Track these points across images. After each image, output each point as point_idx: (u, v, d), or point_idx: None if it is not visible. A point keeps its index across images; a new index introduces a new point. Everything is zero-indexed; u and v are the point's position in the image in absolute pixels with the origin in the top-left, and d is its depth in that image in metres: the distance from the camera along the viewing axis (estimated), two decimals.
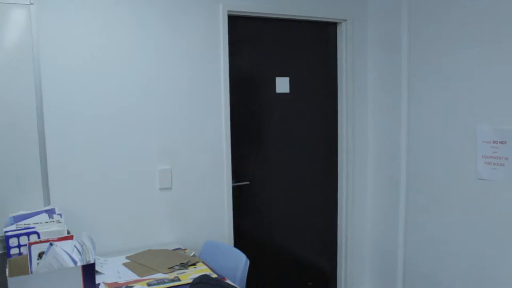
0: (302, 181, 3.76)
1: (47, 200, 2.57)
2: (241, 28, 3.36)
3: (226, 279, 2.29)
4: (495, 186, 2.73)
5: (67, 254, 2.01)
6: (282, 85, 3.53)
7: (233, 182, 3.35)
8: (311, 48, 3.63)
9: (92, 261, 2.02)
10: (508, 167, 2.66)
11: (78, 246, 2.10)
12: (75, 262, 1.99)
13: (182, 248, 2.78)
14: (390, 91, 3.45)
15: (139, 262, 2.53)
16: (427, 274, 3.22)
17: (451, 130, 2.99)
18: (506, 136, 2.65)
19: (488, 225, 2.78)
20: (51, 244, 2.02)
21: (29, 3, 2.45)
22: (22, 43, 2.47)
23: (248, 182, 3.51)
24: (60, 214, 2.43)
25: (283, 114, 3.69)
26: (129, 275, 2.36)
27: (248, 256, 3.65)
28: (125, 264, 2.52)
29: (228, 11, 3.03)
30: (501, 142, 2.69)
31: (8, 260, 2.09)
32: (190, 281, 2.23)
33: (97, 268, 2.39)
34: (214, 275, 2.31)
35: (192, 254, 2.65)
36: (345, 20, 3.47)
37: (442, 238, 3.09)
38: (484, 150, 2.79)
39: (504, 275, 2.70)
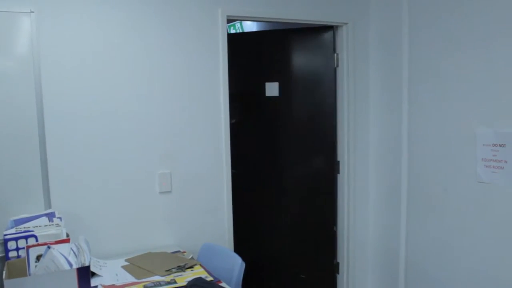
0: (302, 182, 3.79)
1: (48, 204, 2.62)
2: (240, 37, 3.46)
3: (221, 282, 2.32)
4: (494, 189, 2.72)
5: (63, 257, 2.06)
6: (273, 89, 3.72)
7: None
8: (311, 52, 3.67)
9: (87, 264, 2.06)
10: (507, 170, 2.65)
11: (75, 249, 2.15)
12: (71, 265, 2.03)
13: (181, 250, 2.82)
14: (391, 93, 3.45)
15: (138, 265, 2.57)
16: (429, 276, 3.21)
17: (452, 133, 2.98)
18: (506, 139, 2.64)
19: (487, 228, 2.77)
20: (48, 247, 2.07)
21: (29, 11, 2.51)
22: (23, 50, 2.52)
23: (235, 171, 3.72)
24: (60, 218, 2.48)
25: (285, 116, 3.74)
26: (126, 278, 2.40)
27: (247, 256, 3.72)
28: (123, 267, 2.55)
29: (228, 15, 3.06)
30: (500, 145, 2.68)
31: (6, 263, 2.15)
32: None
33: (95, 270, 2.43)
34: (210, 278, 2.34)
35: (190, 257, 2.69)
36: (346, 23, 3.47)
37: (443, 239, 3.08)
38: (484, 153, 2.77)
39: (504, 276, 2.68)
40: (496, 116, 2.69)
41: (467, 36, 2.83)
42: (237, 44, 3.84)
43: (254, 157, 3.82)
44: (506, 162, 2.65)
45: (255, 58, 3.85)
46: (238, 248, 3.40)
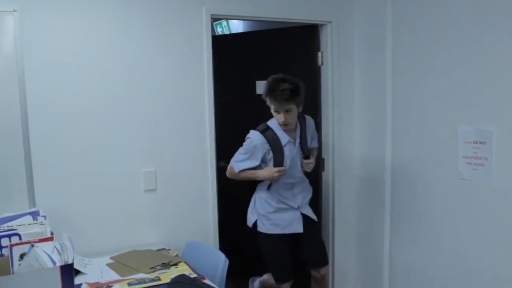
0: None
1: (32, 202, 2.62)
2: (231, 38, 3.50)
3: (205, 279, 2.34)
4: (475, 186, 2.76)
5: (47, 255, 2.05)
6: (263, 87, 3.63)
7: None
8: (297, 50, 3.69)
9: (70, 262, 2.06)
10: (487, 167, 2.69)
11: (58, 247, 2.15)
12: (54, 263, 2.03)
13: (166, 248, 2.84)
14: (375, 91, 3.49)
15: (122, 262, 2.58)
16: (413, 272, 3.26)
17: (435, 131, 3.02)
18: (486, 136, 2.68)
19: (469, 224, 2.82)
20: (32, 246, 2.07)
21: (12, 10, 2.51)
22: (6, 48, 2.53)
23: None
24: (45, 216, 2.48)
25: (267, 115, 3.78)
26: (111, 275, 2.41)
27: (233, 249, 3.75)
28: (108, 265, 2.57)
29: (212, 14, 3.07)
30: (481, 143, 2.72)
31: None
32: None
33: (80, 268, 2.44)
34: (194, 275, 2.36)
35: (174, 254, 2.70)
36: (330, 22, 3.50)
37: (426, 236, 3.13)
38: (465, 151, 2.82)
39: (484, 270, 2.74)
40: (477, 114, 2.73)
41: (449, 36, 2.87)
42: (228, 45, 3.94)
43: None
44: (486, 159, 2.70)
45: (246, 57, 3.91)
46: (224, 241, 3.42)
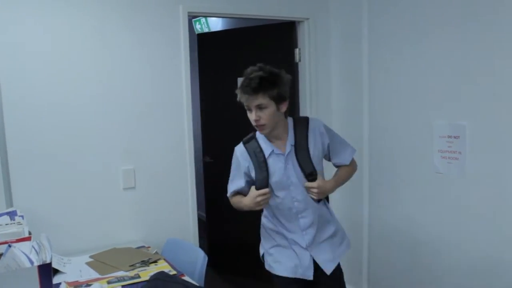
0: None
1: (9, 202, 2.60)
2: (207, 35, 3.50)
3: (184, 276, 2.35)
4: (450, 179, 2.82)
5: (24, 255, 2.05)
6: None
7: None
8: (275, 47, 3.71)
9: (48, 261, 2.06)
10: (461, 161, 2.75)
11: (36, 247, 2.15)
12: (32, 263, 2.03)
13: (146, 246, 2.84)
14: (352, 88, 3.53)
15: (102, 261, 2.58)
16: (390, 265, 3.32)
17: (411, 126, 3.07)
18: (460, 130, 2.74)
19: (444, 216, 2.87)
20: (9, 246, 2.07)
21: None
22: None
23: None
24: (22, 216, 2.47)
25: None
26: (90, 274, 2.41)
27: (217, 239, 3.76)
28: (88, 263, 2.56)
29: (189, 12, 3.07)
30: (455, 137, 2.78)
31: None
32: None
33: (59, 267, 2.43)
34: (173, 272, 2.37)
35: (154, 252, 2.71)
36: (307, 18, 3.52)
37: (403, 229, 3.18)
38: (440, 145, 2.87)
39: (459, 261, 2.81)
40: (451, 108, 2.78)
41: (424, 33, 2.91)
42: (208, 43, 4.00)
43: (227, 146, 3.90)
44: (460, 153, 2.75)
45: (225, 55, 3.95)
46: (209, 231, 3.40)
